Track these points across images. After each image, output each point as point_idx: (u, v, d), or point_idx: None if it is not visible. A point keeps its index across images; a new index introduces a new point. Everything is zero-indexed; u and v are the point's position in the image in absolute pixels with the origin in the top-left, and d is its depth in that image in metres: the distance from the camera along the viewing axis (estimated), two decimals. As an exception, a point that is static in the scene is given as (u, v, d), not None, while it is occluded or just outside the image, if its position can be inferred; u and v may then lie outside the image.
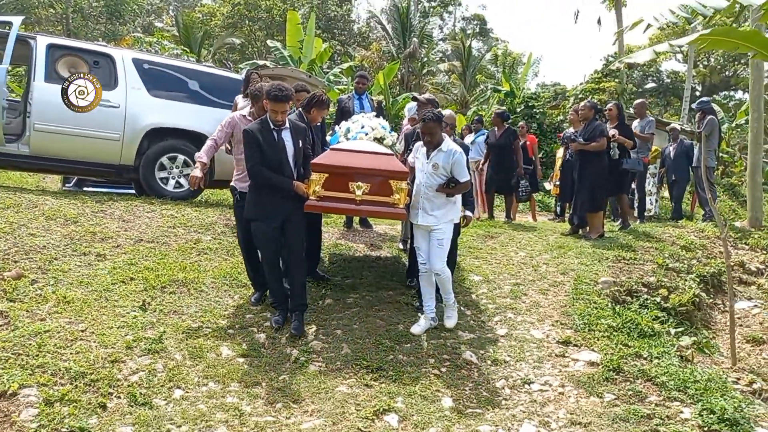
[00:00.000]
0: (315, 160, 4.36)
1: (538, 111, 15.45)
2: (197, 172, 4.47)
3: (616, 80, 13.73)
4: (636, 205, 9.00)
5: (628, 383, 3.71)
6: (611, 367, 3.86)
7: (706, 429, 3.22)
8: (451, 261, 4.65)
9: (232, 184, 4.79)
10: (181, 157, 7.00)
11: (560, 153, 9.78)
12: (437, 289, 4.46)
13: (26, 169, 7.49)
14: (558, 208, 10.12)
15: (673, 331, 4.79)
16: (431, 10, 40.79)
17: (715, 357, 4.78)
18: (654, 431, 3.20)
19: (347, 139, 4.76)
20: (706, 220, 8.36)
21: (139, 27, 31.75)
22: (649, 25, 4.71)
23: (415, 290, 4.97)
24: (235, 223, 5.13)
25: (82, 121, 6.59)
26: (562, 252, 6.33)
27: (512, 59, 28.70)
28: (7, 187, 7.16)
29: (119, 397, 3.21)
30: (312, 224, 4.92)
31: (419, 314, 4.54)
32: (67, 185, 10.00)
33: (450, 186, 4.25)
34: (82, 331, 3.77)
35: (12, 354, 3.37)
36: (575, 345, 4.22)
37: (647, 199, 9.61)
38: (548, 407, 3.47)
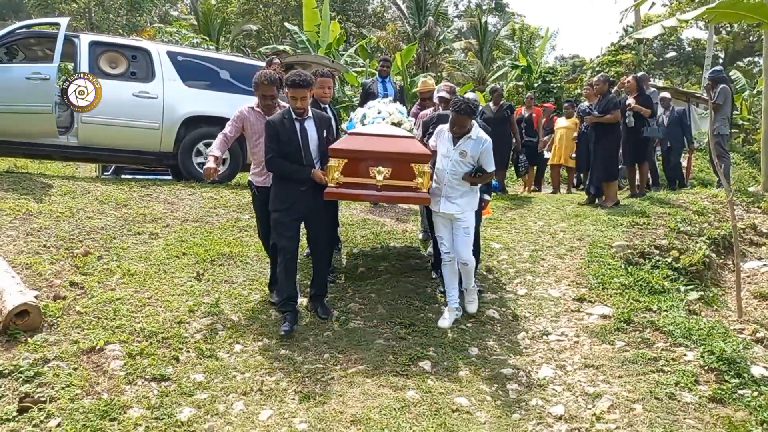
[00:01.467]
0: (333, 146, 4.22)
1: (555, 85, 15.61)
2: (211, 164, 4.36)
3: (633, 52, 13.81)
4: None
5: (638, 332, 4.11)
6: (622, 318, 4.26)
7: (706, 368, 3.62)
8: (476, 249, 4.65)
9: (249, 178, 4.66)
10: (215, 143, 7.45)
11: (560, 122, 10.03)
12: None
13: (75, 159, 8.03)
14: (575, 179, 10.38)
15: (682, 288, 5.14)
16: (447, -14, 40.57)
17: (723, 311, 5.12)
18: (659, 371, 3.60)
19: (363, 125, 4.67)
20: (720, 186, 8.59)
21: (156, 17, 32.23)
22: (653, 3, 4.97)
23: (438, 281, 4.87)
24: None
25: (125, 112, 7.07)
26: (578, 220, 6.68)
27: (529, 34, 28.57)
28: (57, 176, 7.72)
29: (188, 351, 3.71)
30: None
31: (443, 307, 4.44)
32: (105, 173, 10.60)
33: (477, 175, 4.15)
34: (148, 298, 4.28)
35: (93, 318, 3.88)
36: (590, 301, 4.62)
37: None
38: (564, 354, 3.89)
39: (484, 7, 42.91)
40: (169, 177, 8.62)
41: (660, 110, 9.50)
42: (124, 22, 27.69)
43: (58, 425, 2.85)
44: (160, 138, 7.33)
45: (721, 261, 6.19)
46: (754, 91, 19.20)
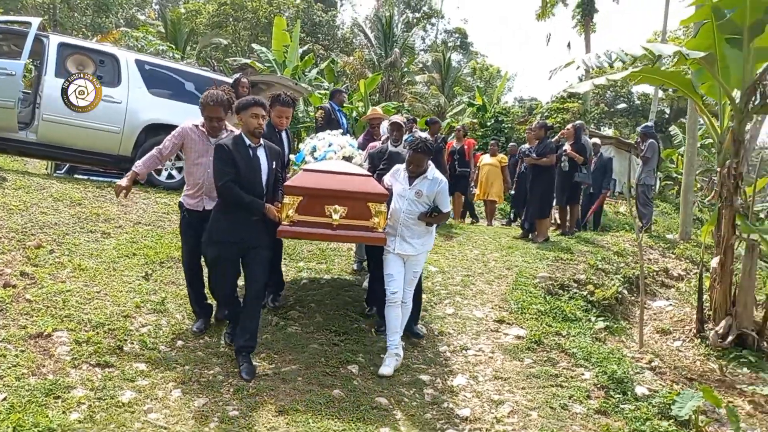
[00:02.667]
0: (288, 183, 4.11)
1: (506, 126, 16.50)
2: (123, 182, 4.13)
3: (580, 101, 14.83)
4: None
5: (545, 352, 4.61)
6: (534, 340, 4.75)
7: (598, 385, 4.13)
8: (418, 288, 4.62)
9: (180, 200, 4.41)
10: (174, 152, 7.70)
11: (485, 159, 10.63)
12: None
13: (31, 155, 8.10)
14: (511, 215, 11.05)
15: (593, 318, 5.71)
16: (414, 21, 41.98)
17: (627, 341, 5.71)
18: (558, 385, 4.09)
19: (314, 158, 4.59)
20: (641, 231, 9.39)
21: (122, 19, 31.99)
22: (578, 67, 5.61)
23: (373, 318, 4.90)
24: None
25: (87, 114, 7.25)
26: (510, 251, 7.24)
27: (489, 74, 29.84)
28: (12, 170, 7.77)
29: (132, 343, 3.96)
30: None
31: (382, 355, 4.21)
32: (58, 172, 10.59)
33: (432, 215, 4.13)
34: (97, 292, 4.50)
35: (42, 306, 4.09)
36: (508, 323, 5.11)
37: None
38: (479, 366, 4.34)
39: (449, 44, 44.53)
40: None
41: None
42: (90, 21, 27.41)
43: (4, 399, 3.07)
44: (120, 142, 7.53)
45: (632, 297, 6.83)
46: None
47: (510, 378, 4.15)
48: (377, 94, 25.95)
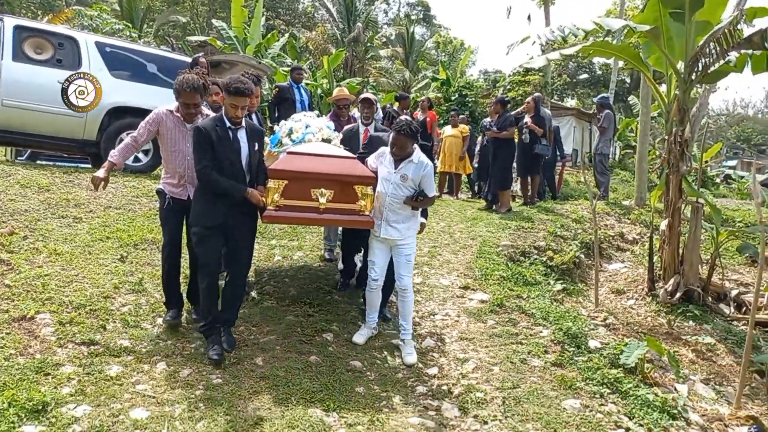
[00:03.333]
0: (273, 166, 4.03)
1: (470, 99, 16.76)
2: (101, 173, 3.94)
3: (540, 74, 15.17)
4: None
5: (507, 314, 4.94)
6: (496, 303, 5.08)
7: (555, 341, 4.47)
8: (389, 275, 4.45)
9: (159, 187, 4.25)
10: (140, 134, 7.71)
11: (447, 131, 10.57)
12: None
13: (-8, 141, 7.99)
14: (476, 187, 11.33)
15: (552, 282, 6.08)
16: (377, -7, 41.60)
17: (584, 302, 6.11)
18: (518, 343, 4.43)
19: (291, 140, 4.51)
20: (599, 198, 9.84)
21: (73, -4, 30.84)
22: (534, 42, 5.86)
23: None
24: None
25: (48, 99, 7.20)
26: (474, 222, 7.56)
27: (453, 47, 29.97)
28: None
29: (115, 322, 4.12)
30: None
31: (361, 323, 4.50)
32: (19, 158, 10.43)
33: (418, 199, 4.08)
34: (75, 275, 4.62)
35: (23, 290, 4.20)
36: (472, 289, 5.42)
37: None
38: (446, 330, 4.64)
39: (412, 17, 44.35)
40: (89, 165, 8.75)
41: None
42: (39, 1, 26.38)
43: (-5, 378, 3.22)
44: (84, 126, 7.50)
45: (589, 261, 7.24)
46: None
47: (474, 338, 4.46)
48: (342, 70, 25.89)
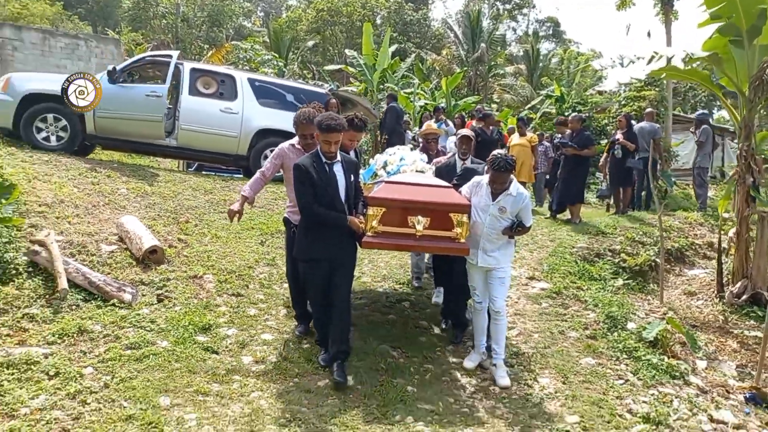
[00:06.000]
0: (372, 194, 4.24)
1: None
2: (235, 206, 4.39)
3: (657, 89, 15.11)
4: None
5: (562, 299, 5.82)
6: (555, 290, 5.96)
7: (597, 321, 5.29)
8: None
9: (285, 215, 4.67)
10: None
11: (514, 139, 10.31)
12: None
13: (172, 156, 10.34)
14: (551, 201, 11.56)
15: (620, 280, 6.75)
16: (504, 12, 42.37)
17: (651, 300, 6.70)
18: (563, 321, 5.32)
19: (386, 172, 4.71)
20: (697, 210, 10.00)
21: (232, 29, 35.46)
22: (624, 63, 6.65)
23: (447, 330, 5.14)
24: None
25: (213, 123, 9.28)
26: (558, 226, 8.36)
27: (577, 62, 29.87)
28: (161, 168, 10.03)
29: (254, 284, 5.71)
30: None
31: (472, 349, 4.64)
32: (189, 169, 12.99)
33: (516, 229, 4.19)
34: (229, 251, 6.32)
35: (195, 260, 5.95)
36: (537, 279, 6.34)
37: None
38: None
39: (541, 33, 44.41)
40: (241, 175, 10.84)
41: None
42: (204, 36, 30.88)
43: (180, 308, 4.89)
44: (238, 144, 9.49)
45: (668, 266, 7.71)
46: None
47: (525, 314, 5.44)
48: (465, 89, 27.06)
